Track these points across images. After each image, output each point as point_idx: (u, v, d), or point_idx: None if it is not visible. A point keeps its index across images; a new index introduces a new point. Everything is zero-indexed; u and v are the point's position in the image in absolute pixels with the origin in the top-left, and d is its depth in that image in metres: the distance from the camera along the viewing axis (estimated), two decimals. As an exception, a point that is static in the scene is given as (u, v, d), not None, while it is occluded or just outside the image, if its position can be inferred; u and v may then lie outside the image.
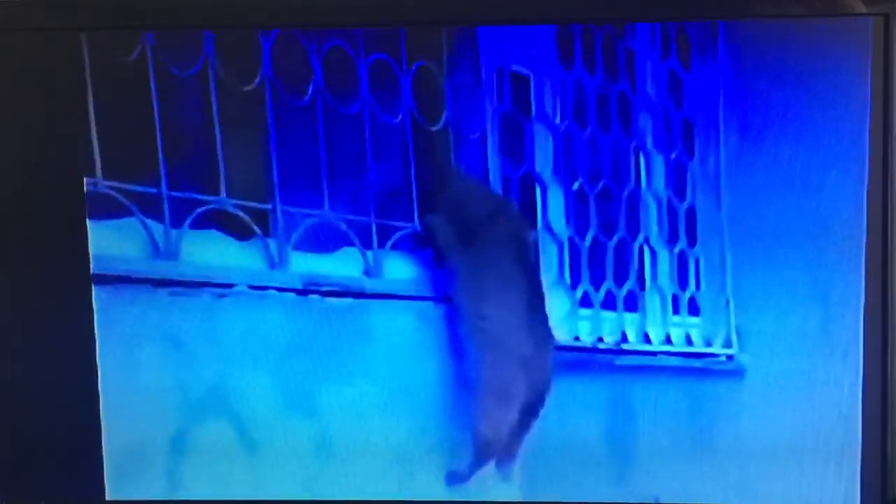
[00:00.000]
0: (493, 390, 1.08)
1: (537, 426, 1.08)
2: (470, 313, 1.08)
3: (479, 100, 1.07)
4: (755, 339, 1.05)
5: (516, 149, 1.07)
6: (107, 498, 1.09)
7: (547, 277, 1.08)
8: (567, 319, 1.08)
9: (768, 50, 1.01)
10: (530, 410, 1.08)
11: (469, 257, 1.08)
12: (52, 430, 1.08)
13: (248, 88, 1.07)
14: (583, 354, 1.08)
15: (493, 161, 1.07)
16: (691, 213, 1.07)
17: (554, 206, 1.07)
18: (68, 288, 1.07)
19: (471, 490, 1.10)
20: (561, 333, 1.08)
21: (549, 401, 1.07)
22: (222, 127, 1.07)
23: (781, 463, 1.05)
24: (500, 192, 1.07)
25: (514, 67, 1.06)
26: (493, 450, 1.08)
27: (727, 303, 1.07)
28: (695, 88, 1.04)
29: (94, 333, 1.07)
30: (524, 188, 1.07)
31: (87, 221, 1.07)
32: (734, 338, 1.07)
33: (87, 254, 1.07)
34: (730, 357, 1.07)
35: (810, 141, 1.02)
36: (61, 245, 1.07)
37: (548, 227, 1.07)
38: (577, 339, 1.08)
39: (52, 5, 1.05)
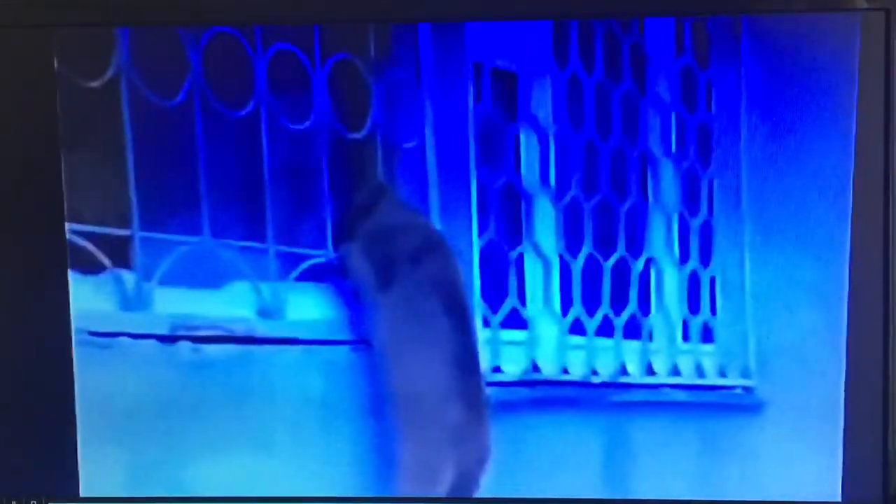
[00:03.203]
0: (418, 468, 0.95)
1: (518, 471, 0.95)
2: (392, 366, 0.94)
3: (417, 100, 0.93)
4: (778, 369, 0.94)
5: (496, 155, 0.94)
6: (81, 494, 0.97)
7: (532, 303, 0.95)
8: (554, 349, 0.96)
9: (788, 43, 0.91)
10: (463, 493, 0.96)
11: (394, 295, 0.94)
12: (25, 425, 0.96)
13: (96, 84, 0.92)
14: (572, 389, 0.96)
15: (431, 171, 0.93)
16: (706, 229, 0.95)
17: (541, 220, 0.95)
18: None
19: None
20: (546, 365, 0.95)
21: (531, 445, 0.95)
22: (63, 131, 0.92)
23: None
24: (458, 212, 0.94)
25: (499, 62, 0.93)
26: None
27: (746, 328, 0.94)
28: (714, 87, 0.93)
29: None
30: (505, 200, 0.95)
31: None
32: (754, 367, 0.94)
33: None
34: (747, 389, 0.95)
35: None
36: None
37: (533, 244, 0.95)
38: (565, 371, 0.96)
39: None
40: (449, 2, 0.92)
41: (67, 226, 0.93)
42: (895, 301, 0.92)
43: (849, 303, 0.92)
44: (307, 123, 0.93)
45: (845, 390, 0.93)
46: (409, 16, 0.92)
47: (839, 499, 0.94)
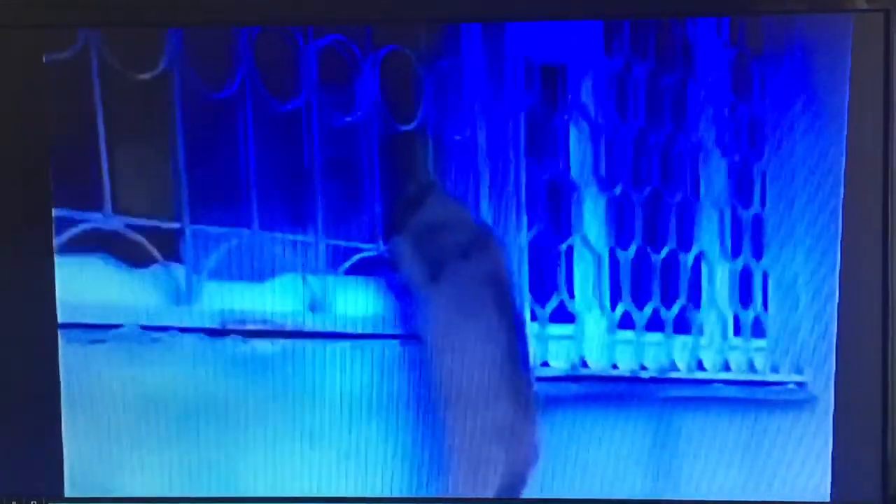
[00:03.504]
0: (466, 463, 0.94)
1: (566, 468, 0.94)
2: (441, 361, 0.93)
3: (467, 92, 0.91)
4: (831, 365, 0.92)
5: (545, 147, 0.93)
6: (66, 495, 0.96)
7: (581, 296, 0.94)
8: (603, 344, 0.95)
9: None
10: (510, 492, 0.95)
11: (443, 289, 0.93)
12: (11, 426, 0.95)
13: (146, 76, 0.91)
14: (621, 385, 0.94)
15: (482, 164, 0.92)
16: (758, 222, 0.93)
17: (590, 214, 0.94)
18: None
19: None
20: (595, 360, 0.94)
21: (579, 441, 0.94)
22: (109, 124, 0.91)
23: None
24: (517, 202, 0.93)
25: (546, 56, 0.92)
26: None
27: (799, 323, 0.92)
28: (767, 78, 0.91)
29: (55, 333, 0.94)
30: (554, 192, 0.93)
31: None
32: (806, 363, 0.93)
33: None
34: (800, 385, 0.93)
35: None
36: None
37: (582, 237, 0.93)
38: (614, 366, 0.94)
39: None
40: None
41: (119, 219, 0.92)
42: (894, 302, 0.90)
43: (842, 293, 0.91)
44: (357, 115, 0.92)
45: (835, 387, 0.92)
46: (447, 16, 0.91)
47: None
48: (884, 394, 0.91)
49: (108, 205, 0.92)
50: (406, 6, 0.91)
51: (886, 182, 0.89)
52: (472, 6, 0.90)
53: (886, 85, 0.89)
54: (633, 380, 0.94)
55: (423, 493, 0.94)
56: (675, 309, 0.94)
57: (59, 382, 0.93)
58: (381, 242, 0.93)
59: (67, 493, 0.95)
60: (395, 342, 0.93)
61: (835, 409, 0.92)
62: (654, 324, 0.95)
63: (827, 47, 0.90)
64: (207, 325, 0.93)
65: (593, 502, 0.94)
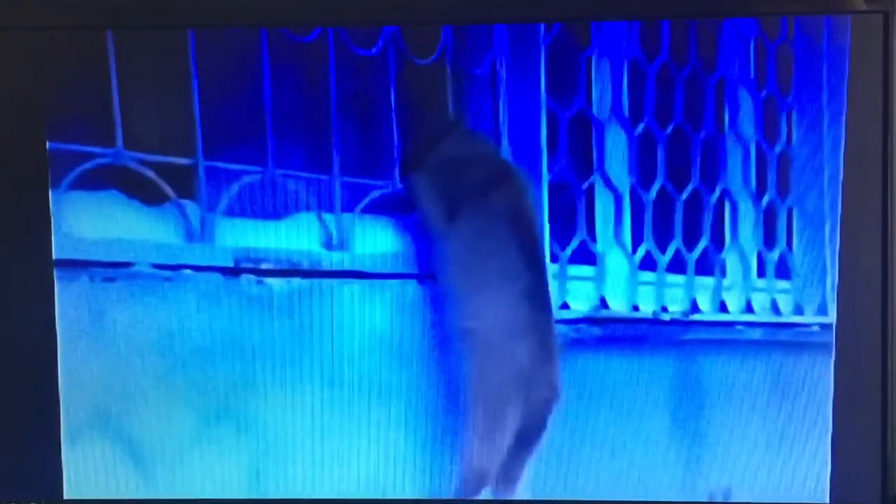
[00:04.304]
0: (485, 407, 0.93)
1: (577, 416, 0.93)
2: (459, 303, 0.91)
3: (487, 25, 0.89)
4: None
5: (567, 83, 0.91)
6: (64, 497, 0.96)
7: (602, 236, 0.92)
8: (624, 285, 0.93)
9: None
10: (530, 434, 0.94)
11: (462, 228, 0.91)
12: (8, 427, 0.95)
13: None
14: (641, 327, 0.93)
15: (502, 99, 0.90)
16: (785, 159, 0.91)
17: (613, 151, 0.92)
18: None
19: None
20: (616, 302, 0.93)
21: (599, 384, 0.93)
22: (121, 59, 0.89)
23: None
24: (540, 138, 0.91)
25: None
26: (486, 479, 0.94)
27: (825, 263, 0.91)
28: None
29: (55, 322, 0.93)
30: (575, 130, 0.91)
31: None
32: (831, 304, 0.91)
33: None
34: (824, 327, 0.91)
35: None
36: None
37: (604, 176, 0.92)
38: (635, 308, 0.93)
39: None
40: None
41: (131, 154, 0.90)
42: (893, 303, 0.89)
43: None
44: (375, 48, 0.89)
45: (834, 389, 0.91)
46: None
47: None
48: (883, 392, 0.90)
49: (119, 141, 0.90)
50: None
51: (886, 183, 0.89)
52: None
53: (885, 85, 0.88)
54: (654, 322, 0.93)
55: (442, 431, 0.94)
56: (698, 250, 0.92)
57: (54, 322, 0.92)
58: (398, 180, 0.91)
59: (66, 494, 0.95)
60: (413, 281, 0.92)
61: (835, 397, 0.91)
62: (676, 265, 0.93)
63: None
64: (221, 264, 0.91)
65: (592, 503, 0.93)
